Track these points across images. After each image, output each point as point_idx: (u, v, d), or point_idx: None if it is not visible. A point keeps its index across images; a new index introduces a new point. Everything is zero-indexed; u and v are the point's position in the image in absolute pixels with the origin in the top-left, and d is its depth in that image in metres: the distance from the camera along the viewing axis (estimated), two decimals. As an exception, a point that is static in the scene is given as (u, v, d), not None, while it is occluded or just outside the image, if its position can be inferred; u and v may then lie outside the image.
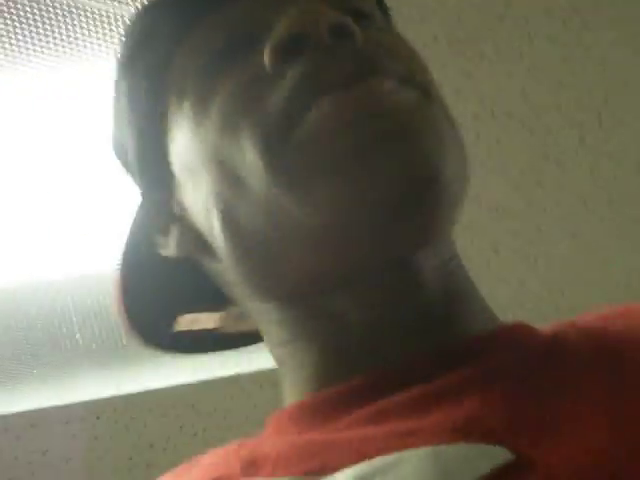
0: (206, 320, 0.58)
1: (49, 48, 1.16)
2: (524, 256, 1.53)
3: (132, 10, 1.14)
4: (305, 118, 0.44)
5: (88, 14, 1.14)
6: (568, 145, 1.39)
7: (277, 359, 0.53)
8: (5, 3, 1.09)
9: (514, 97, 1.38)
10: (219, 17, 0.50)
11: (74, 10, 1.13)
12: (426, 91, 0.47)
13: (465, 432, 0.39)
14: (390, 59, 0.46)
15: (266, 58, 0.46)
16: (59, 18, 1.14)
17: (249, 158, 0.45)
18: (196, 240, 0.52)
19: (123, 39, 0.56)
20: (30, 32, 1.13)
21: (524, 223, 1.50)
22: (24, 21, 1.12)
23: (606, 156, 1.41)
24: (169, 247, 0.54)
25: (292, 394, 0.51)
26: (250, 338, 0.59)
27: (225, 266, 0.51)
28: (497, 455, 0.37)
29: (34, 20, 1.13)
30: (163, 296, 0.58)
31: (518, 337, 0.48)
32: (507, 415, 0.40)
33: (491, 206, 1.48)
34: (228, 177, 0.47)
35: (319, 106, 0.44)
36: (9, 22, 1.11)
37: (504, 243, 1.51)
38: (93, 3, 1.11)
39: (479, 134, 1.45)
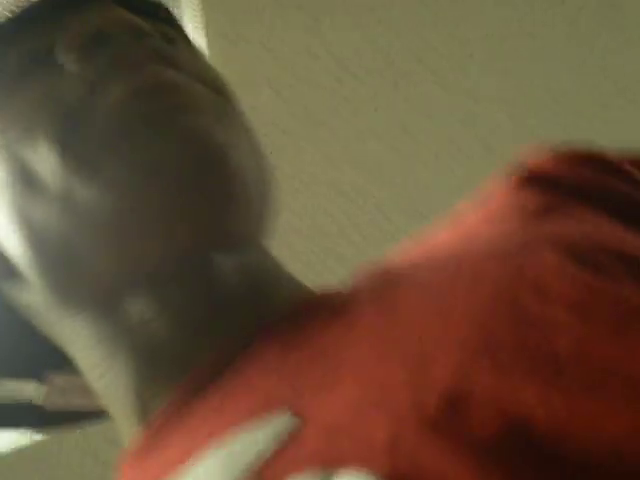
0: (28, 391, 0.53)
1: None
2: (420, 218, 1.53)
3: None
4: (98, 105, 0.44)
5: None
6: (427, 89, 1.40)
7: (100, 394, 0.49)
8: None
9: (369, 52, 1.39)
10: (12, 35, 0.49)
11: None
12: (222, 93, 0.48)
13: (268, 408, 0.39)
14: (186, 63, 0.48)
15: (66, 56, 0.46)
16: None
17: (43, 151, 0.44)
18: (3, 264, 0.49)
19: None
20: None
21: (408, 179, 1.50)
22: None
23: (464, 94, 1.42)
24: None
25: (126, 428, 0.47)
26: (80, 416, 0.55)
27: (33, 287, 0.48)
28: (283, 422, 0.37)
29: None
30: None
31: (315, 306, 0.46)
32: (297, 381, 0.40)
33: (372, 168, 1.48)
34: (24, 180, 0.45)
35: (111, 91, 0.44)
36: None
37: (395, 208, 1.51)
38: None
39: (345, 97, 1.45)
